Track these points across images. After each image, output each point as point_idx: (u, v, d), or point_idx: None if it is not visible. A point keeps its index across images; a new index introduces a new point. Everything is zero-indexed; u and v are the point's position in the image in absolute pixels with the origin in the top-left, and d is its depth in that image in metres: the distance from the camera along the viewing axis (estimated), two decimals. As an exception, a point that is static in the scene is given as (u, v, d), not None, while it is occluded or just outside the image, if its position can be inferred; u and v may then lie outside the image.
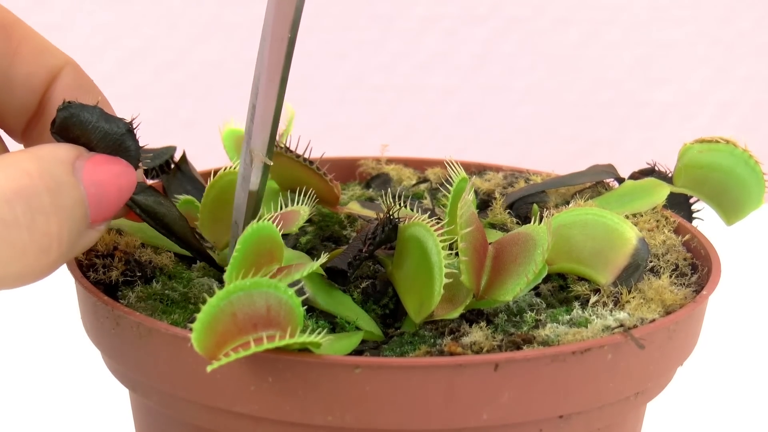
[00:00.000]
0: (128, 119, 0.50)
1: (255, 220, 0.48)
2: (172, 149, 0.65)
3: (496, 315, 0.51)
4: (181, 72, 1.35)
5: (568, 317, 0.51)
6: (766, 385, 0.87)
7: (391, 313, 0.53)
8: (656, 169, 0.65)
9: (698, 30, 1.35)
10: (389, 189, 0.69)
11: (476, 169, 0.73)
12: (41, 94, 0.52)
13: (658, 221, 0.60)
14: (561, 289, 0.55)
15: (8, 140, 0.53)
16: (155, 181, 0.64)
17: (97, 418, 0.80)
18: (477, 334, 0.48)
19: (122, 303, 0.52)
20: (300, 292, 0.45)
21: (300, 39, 1.44)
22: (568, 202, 0.64)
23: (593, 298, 0.52)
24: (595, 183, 0.66)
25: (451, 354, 0.46)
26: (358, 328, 0.50)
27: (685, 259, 0.58)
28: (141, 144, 0.50)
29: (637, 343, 0.46)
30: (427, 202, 0.65)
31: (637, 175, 0.65)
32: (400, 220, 0.52)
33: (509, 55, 1.35)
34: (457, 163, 0.56)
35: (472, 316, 0.51)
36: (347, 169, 0.74)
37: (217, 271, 0.56)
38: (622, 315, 0.50)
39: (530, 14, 1.34)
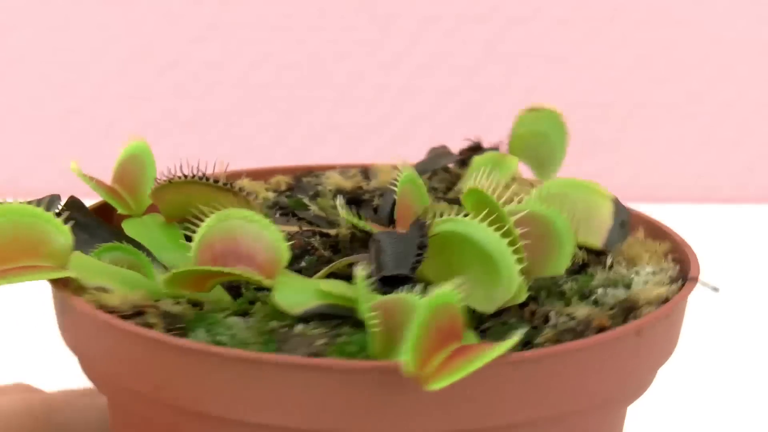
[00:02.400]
0: None
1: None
2: (56, 197, 0.53)
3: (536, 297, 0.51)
4: (181, 72, 1.35)
5: (619, 286, 0.51)
6: (752, 386, 0.87)
7: None
8: (481, 144, 0.67)
9: (698, 30, 1.35)
10: (313, 194, 0.65)
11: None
12: None
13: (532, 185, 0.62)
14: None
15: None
16: None
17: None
18: (582, 309, 0.48)
19: None
20: None
21: (300, 39, 1.44)
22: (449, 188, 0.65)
23: (608, 261, 0.53)
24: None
25: (602, 329, 0.46)
26: None
27: None
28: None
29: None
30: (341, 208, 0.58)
31: (467, 153, 0.67)
32: (429, 223, 0.50)
33: (509, 55, 1.35)
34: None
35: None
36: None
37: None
38: (648, 269, 0.51)
39: (530, 14, 1.34)
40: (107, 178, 0.58)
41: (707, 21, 1.34)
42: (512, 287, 0.46)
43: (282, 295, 0.45)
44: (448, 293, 0.43)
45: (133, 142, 0.60)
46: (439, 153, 0.68)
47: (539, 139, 0.66)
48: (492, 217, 0.47)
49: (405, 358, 0.40)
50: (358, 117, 1.36)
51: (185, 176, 0.53)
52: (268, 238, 0.46)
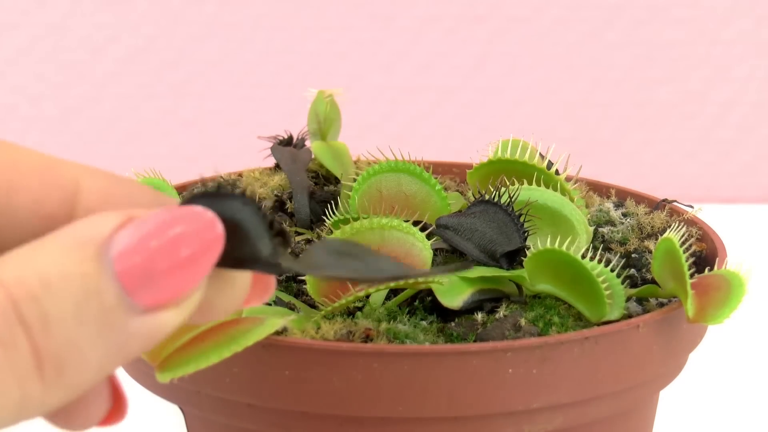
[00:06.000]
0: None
1: None
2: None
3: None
4: (181, 72, 1.35)
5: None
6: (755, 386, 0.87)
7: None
8: None
9: (698, 30, 1.35)
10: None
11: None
12: (57, 219, 0.39)
13: None
14: None
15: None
16: None
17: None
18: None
19: None
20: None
21: (300, 38, 1.43)
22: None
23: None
24: None
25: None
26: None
27: None
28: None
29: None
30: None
31: None
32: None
33: (509, 55, 1.35)
34: None
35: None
36: None
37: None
38: None
39: (530, 14, 1.34)
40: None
41: (707, 21, 1.34)
42: (589, 238, 0.54)
43: (441, 294, 0.49)
44: None
45: (150, 180, 0.59)
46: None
47: None
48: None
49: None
50: (358, 117, 1.36)
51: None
52: (419, 246, 0.50)
